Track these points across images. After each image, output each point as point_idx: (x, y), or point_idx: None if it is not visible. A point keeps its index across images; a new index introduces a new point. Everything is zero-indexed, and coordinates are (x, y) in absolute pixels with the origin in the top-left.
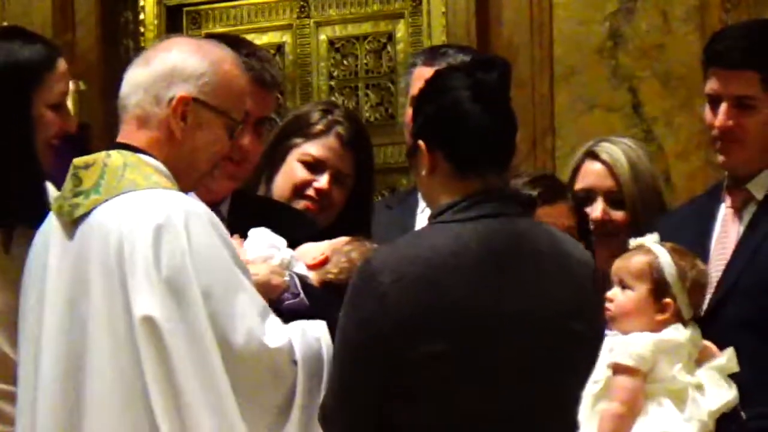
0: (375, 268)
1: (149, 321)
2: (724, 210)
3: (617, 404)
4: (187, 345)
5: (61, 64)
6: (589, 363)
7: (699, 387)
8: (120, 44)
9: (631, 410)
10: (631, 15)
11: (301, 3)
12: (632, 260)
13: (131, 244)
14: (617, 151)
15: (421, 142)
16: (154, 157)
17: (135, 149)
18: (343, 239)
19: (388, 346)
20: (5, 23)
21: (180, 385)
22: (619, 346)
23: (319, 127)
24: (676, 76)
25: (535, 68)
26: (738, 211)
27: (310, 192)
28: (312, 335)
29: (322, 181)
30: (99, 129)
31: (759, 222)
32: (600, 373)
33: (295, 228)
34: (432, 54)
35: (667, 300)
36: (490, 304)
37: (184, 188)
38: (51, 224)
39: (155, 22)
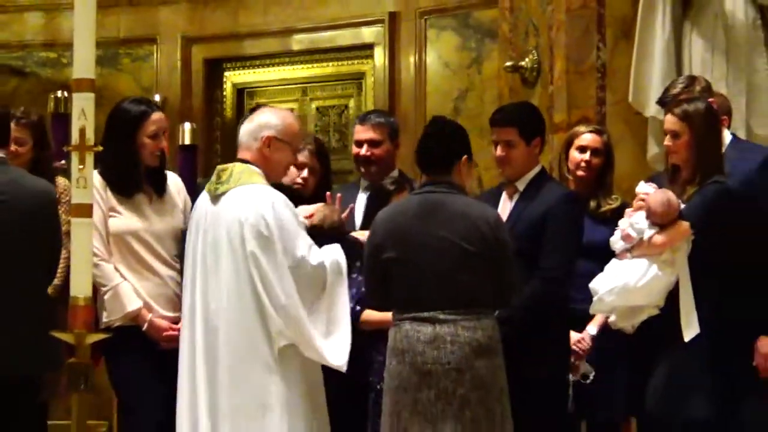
0: (377, 217)
1: (253, 254)
2: (504, 196)
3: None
4: (271, 266)
5: (155, 115)
6: (479, 265)
7: None
8: (215, 108)
9: None
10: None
11: (303, 88)
12: None
13: (245, 212)
14: None
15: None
16: (257, 166)
17: (247, 162)
18: (320, 204)
19: (376, 252)
20: (156, 92)
21: (269, 283)
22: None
23: (301, 146)
24: (487, 131)
25: (418, 126)
26: (510, 197)
27: (299, 180)
28: (333, 254)
29: (304, 173)
30: (202, 150)
31: (520, 204)
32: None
33: (294, 198)
34: (362, 117)
35: None
36: (420, 232)
37: (269, 181)
38: (205, 196)
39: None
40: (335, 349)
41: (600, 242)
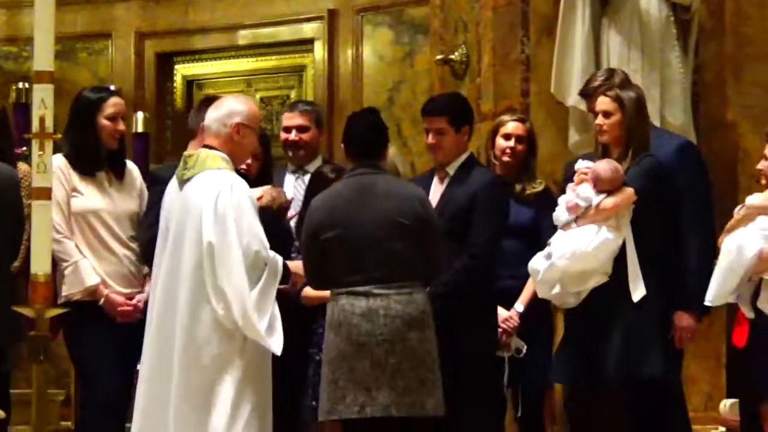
0: (312, 202)
1: (209, 244)
2: (435, 179)
3: None
4: (226, 248)
5: (113, 99)
6: (413, 237)
7: None
8: (166, 98)
9: None
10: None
11: (248, 80)
12: None
13: (205, 197)
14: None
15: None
16: (224, 152)
17: (213, 148)
18: (268, 186)
19: (315, 235)
20: (111, 84)
21: (221, 264)
22: None
23: None
24: (419, 119)
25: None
26: (441, 181)
27: (244, 165)
28: (277, 258)
29: (248, 159)
30: (154, 138)
31: (450, 188)
32: None
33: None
34: (291, 105)
35: None
36: (356, 210)
37: (237, 166)
38: (174, 182)
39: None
40: (272, 332)
41: (524, 223)
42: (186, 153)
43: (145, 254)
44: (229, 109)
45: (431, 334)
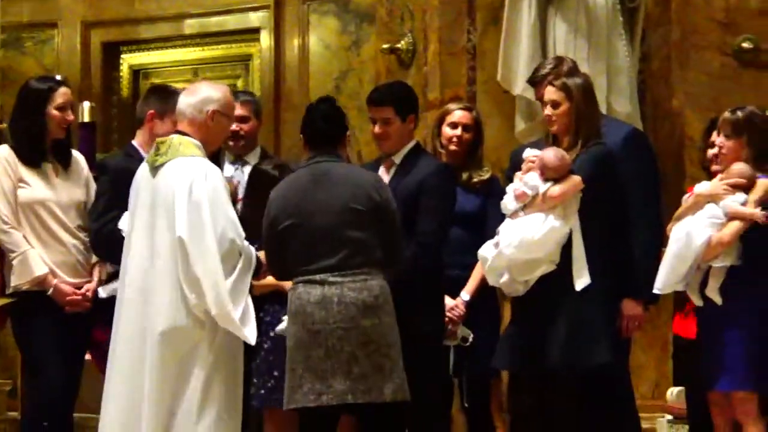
0: (272, 192)
1: (180, 240)
2: (382, 169)
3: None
4: (198, 238)
5: (62, 89)
6: (368, 224)
7: None
8: (113, 88)
9: None
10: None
11: (195, 69)
12: None
13: (179, 184)
14: None
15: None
16: (197, 138)
17: (185, 134)
18: None
19: (273, 225)
20: (57, 73)
21: (192, 257)
22: None
23: None
24: (366, 108)
25: (302, 104)
26: (388, 170)
27: None
28: (251, 249)
29: None
30: (100, 127)
31: (397, 177)
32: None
33: None
34: (235, 94)
35: None
36: (311, 198)
37: (209, 152)
38: (144, 168)
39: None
40: (246, 322)
41: (471, 211)
42: (158, 139)
43: (94, 243)
44: (205, 95)
45: (388, 319)
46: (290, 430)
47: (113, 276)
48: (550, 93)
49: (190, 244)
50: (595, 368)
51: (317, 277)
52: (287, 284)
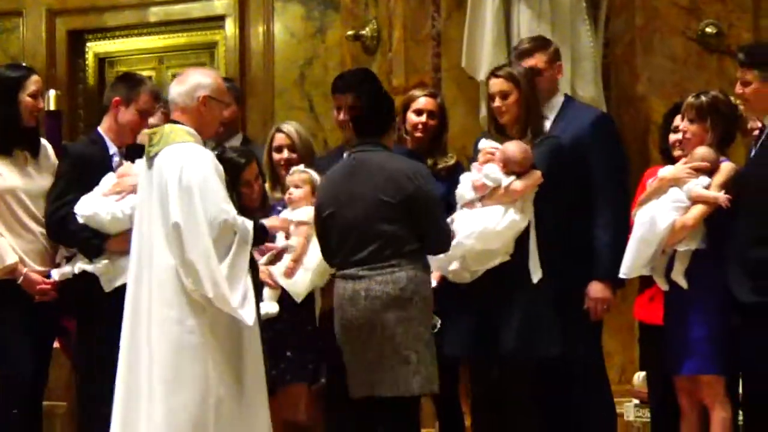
0: (323, 177)
1: (175, 225)
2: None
3: None
4: (192, 225)
5: (34, 76)
6: (400, 215)
7: None
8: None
9: None
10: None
11: (160, 57)
12: None
13: (171, 171)
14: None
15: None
16: (191, 126)
17: (177, 122)
18: None
19: (318, 213)
20: (23, 62)
21: (186, 243)
22: None
23: (158, 109)
24: (330, 97)
25: (266, 91)
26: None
27: None
28: (247, 223)
29: None
30: (66, 116)
31: None
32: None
33: None
34: None
35: None
36: (346, 188)
37: (205, 139)
38: (143, 161)
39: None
40: (244, 305)
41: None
42: (148, 130)
43: (48, 226)
44: (195, 82)
45: (414, 311)
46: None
47: (68, 259)
48: (498, 85)
49: (184, 229)
50: (545, 357)
51: (349, 271)
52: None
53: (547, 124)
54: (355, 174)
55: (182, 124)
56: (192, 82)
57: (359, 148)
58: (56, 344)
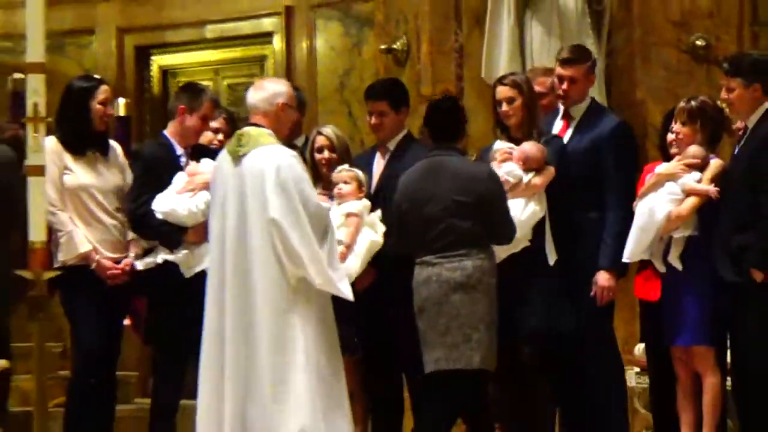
0: (399, 180)
1: (274, 221)
2: (378, 154)
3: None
4: (292, 219)
5: (104, 86)
6: (473, 213)
7: None
8: (144, 86)
9: None
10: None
11: (216, 69)
12: None
13: (266, 171)
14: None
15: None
16: (270, 129)
17: (259, 125)
18: None
19: (396, 207)
20: (96, 73)
21: (290, 224)
22: None
23: (216, 115)
24: (361, 102)
25: (310, 99)
26: (383, 155)
27: (216, 141)
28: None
29: (219, 136)
30: (134, 121)
31: (390, 161)
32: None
33: (211, 154)
34: None
35: None
36: (423, 188)
37: (279, 140)
38: (224, 157)
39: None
40: (342, 281)
41: None
42: (238, 131)
43: (131, 223)
44: (274, 90)
45: (480, 295)
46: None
47: (148, 251)
48: (504, 92)
49: (284, 222)
50: (563, 332)
51: (425, 259)
52: None
53: (573, 125)
54: (433, 176)
55: (263, 126)
56: (271, 90)
57: (435, 152)
58: (127, 322)
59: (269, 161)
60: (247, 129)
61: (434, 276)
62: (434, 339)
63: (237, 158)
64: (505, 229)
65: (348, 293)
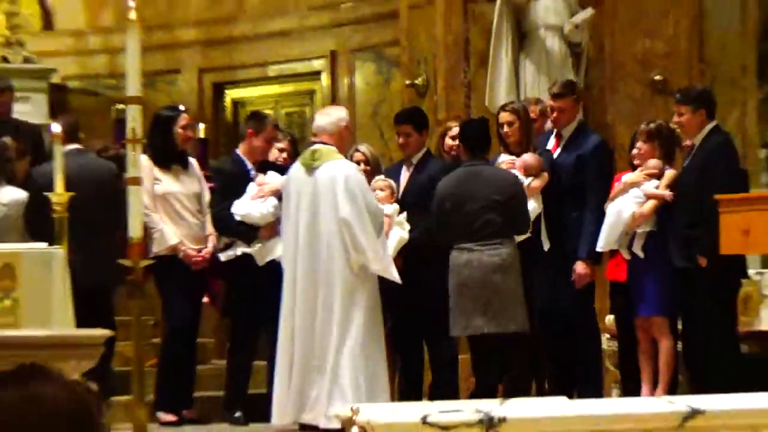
0: (439, 184)
1: (345, 219)
2: (404, 167)
3: None
4: (358, 219)
5: (184, 114)
6: (504, 209)
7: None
8: (219, 114)
9: None
10: (381, 103)
11: (276, 100)
12: None
13: (337, 180)
14: (365, 148)
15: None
16: (335, 146)
17: (326, 143)
18: None
19: (440, 204)
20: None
21: (356, 223)
22: None
23: (281, 137)
24: (390, 126)
25: (351, 124)
26: (408, 168)
27: (281, 159)
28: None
29: (284, 155)
30: (211, 142)
31: (414, 173)
32: None
33: (278, 169)
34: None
35: None
36: (465, 189)
37: (342, 155)
38: (297, 169)
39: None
40: (391, 266)
41: None
42: (311, 148)
43: (215, 223)
44: (338, 115)
45: (514, 275)
46: None
47: (229, 245)
48: (506, 117)
49: (353, 222)
50: (562, 311)
51: (465, 245)
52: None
53: (563, 142)
54: (471, 181)
55: (330, 144)
56: (335, 116)
57: (470, 162)
58: (206, 300)
59: (339, 172)
60: (317, 146)
61: (475, 260)
62: (477, 309)
63: (311, 169)
64: (525, 222)
65: (396, 277)
